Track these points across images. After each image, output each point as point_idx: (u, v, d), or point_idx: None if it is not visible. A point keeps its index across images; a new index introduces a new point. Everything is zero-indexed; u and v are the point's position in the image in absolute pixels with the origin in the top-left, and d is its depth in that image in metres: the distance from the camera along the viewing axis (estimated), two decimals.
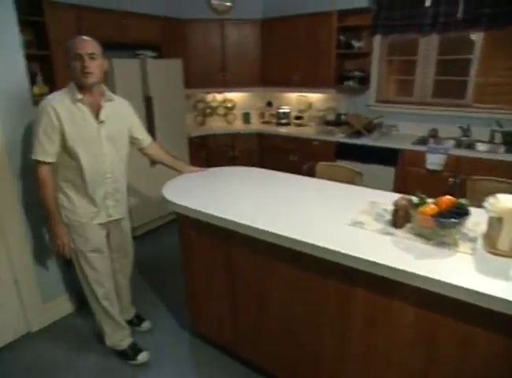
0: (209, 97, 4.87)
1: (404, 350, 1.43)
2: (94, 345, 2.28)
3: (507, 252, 1.33)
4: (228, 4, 4.35)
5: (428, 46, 3.76)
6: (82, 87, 1.82)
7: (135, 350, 2.18)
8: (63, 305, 2.53)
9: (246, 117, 4.90)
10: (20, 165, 2.17)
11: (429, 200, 1.52)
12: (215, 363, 2.15)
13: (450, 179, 3.25)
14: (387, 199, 1.77)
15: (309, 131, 4.34)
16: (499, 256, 1.34)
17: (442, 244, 1.43)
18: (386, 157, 3.48)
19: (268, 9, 4.36)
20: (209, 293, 2.09)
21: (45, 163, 1.80)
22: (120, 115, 2.00)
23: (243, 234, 1.70)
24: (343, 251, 1.40)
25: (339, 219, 1.67)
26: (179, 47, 4.17)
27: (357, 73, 4.14)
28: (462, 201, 1.48)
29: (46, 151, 1.77)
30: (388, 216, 1.65)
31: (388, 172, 3.50)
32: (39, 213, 2.10)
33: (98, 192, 1.93)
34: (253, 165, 4.59)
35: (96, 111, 1.88)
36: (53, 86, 3.03)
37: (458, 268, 1.27)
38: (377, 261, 1.33)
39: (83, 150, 1.84)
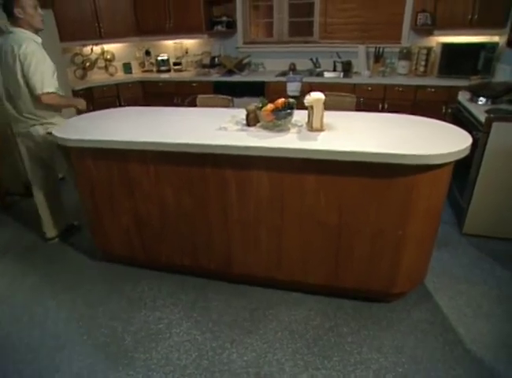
0: (87, 50, 4.89)
1: (267, 208, 2.09)
2: None
3: (318, 128, 2.05)
4: None
5: None
6: None
7: None
8: None
9: (127, 67, 5.08)
10: None
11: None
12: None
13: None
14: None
15: (188, 75, 4.76)
16: (314, 131, 2.05)
17: (280, 131, 2.09)
18: (255, 89, 4.14)
19: None
20: (114, 212, 2.41)
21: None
22: None
23: (136, 150, 2.08)
24: (213, 143, 1.95)
25: (210, 127, 2.21)
26: None
27: (224, 18, 4.61)
28: (291, 100, 2.15)
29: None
30: (245, 122, 2.25)
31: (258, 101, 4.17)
32: None
33: None
34: None
35: None
36: None
37: (290, 141, 1.93)
38: (237, 144, 1.92)
39: None
